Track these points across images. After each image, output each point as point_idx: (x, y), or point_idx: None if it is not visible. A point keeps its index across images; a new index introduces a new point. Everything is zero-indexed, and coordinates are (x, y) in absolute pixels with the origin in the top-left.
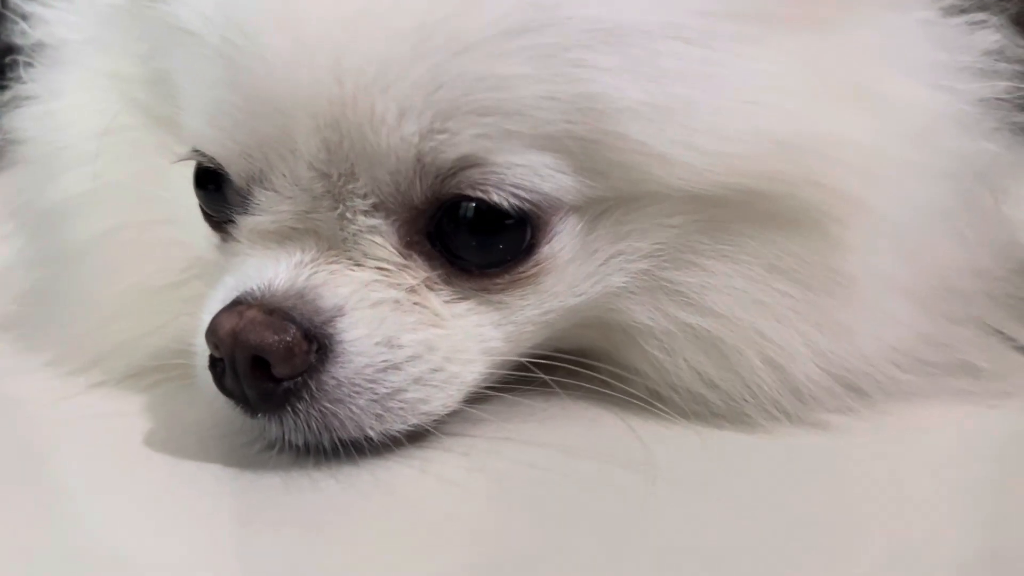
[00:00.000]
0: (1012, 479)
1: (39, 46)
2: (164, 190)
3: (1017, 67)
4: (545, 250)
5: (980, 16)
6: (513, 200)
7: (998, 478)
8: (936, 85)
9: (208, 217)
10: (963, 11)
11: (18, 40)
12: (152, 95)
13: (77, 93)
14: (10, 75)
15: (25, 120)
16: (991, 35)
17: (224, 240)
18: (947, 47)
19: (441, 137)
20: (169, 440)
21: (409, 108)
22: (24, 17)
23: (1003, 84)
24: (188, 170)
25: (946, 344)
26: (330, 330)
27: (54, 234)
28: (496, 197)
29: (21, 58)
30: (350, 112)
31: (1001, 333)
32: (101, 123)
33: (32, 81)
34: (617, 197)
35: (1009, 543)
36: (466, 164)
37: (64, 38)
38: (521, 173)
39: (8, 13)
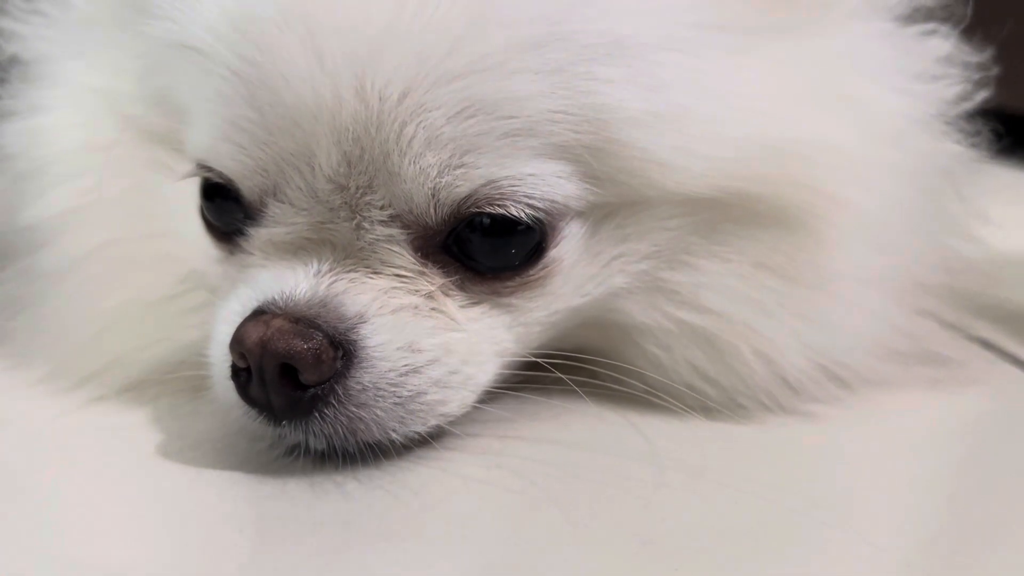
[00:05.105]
0: (980, 457)
1: (14, 61)
2: (157, 205)
3: (965, 71)
4: (552, 253)
5: (930, 25)
6: (528, 211)
7: (968, 456)
8: (900, 89)
9: (213, 229)
10: (915, 20)
11: None
12: (148, 112)
13: (63, 109)
14: None
15: (8, 136)
16: (942, 42)
17: (232, 252)
18: (906, 54)
19: (458, 172)
20: (184, 451)
21: (436, 137)
22: None
23: (956, 88)
24: (183, 184)
25: (915, 335)
26: (354, 336)
27: (42, 250)
28: (514, 210)
29: None
30: (374, 129)
31: (957, 325)
32: (89, 139)
33: (10, 97)
34: (619, 202)
35: (978, 511)
36: (480, 188)
37: (43, 53)
38: (533, 183)
39: None
